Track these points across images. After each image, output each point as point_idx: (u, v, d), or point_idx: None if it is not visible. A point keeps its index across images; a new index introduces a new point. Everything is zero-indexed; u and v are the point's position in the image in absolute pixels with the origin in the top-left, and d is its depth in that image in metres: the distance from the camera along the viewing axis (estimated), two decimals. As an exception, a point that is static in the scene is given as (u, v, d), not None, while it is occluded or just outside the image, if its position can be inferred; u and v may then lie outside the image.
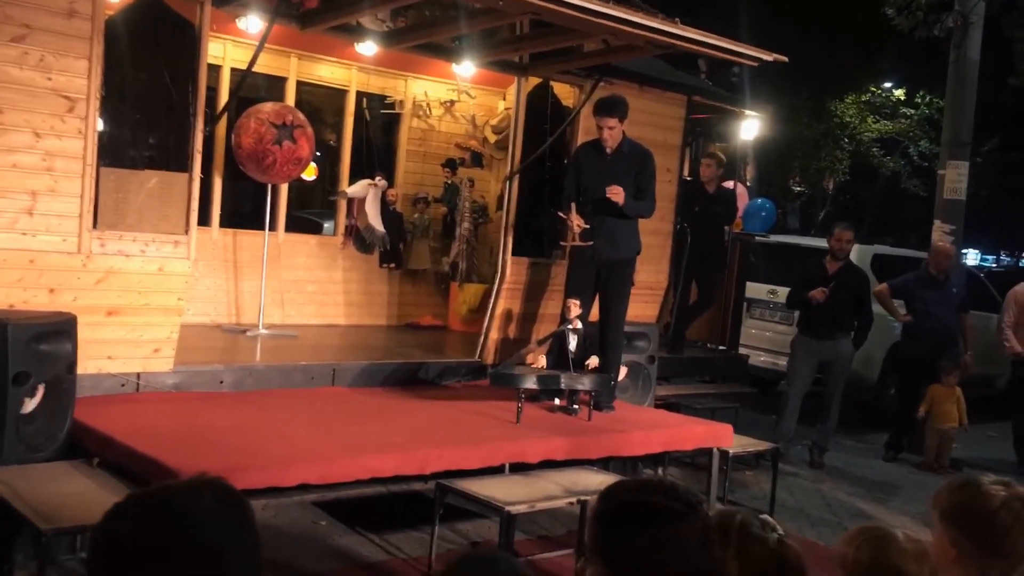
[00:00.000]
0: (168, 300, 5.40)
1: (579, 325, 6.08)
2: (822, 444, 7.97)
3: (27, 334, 4.43)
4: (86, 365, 4.95)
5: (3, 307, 4.78)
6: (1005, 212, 23.55)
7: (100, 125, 5.15)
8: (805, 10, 17.16)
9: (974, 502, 2.24)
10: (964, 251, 11.54)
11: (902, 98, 22.80)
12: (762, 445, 6.60)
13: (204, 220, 6.89)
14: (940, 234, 10.08)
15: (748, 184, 12.47)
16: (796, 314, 8.37)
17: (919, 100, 22.17)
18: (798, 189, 24.04)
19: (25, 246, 4.88)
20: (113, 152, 5.33)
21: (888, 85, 22.96)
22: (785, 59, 5.92)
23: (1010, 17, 12.24)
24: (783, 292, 8.92)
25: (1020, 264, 26.86)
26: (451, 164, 8.69)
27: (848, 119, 21.90)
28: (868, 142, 22.04)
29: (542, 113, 7.24)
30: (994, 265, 29.21)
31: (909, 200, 21.55)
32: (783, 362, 8.75)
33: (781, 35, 12.37)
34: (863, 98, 22.18)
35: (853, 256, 8.29)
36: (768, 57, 5.89)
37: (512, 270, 6.97)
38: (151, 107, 5.49)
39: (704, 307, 8.62)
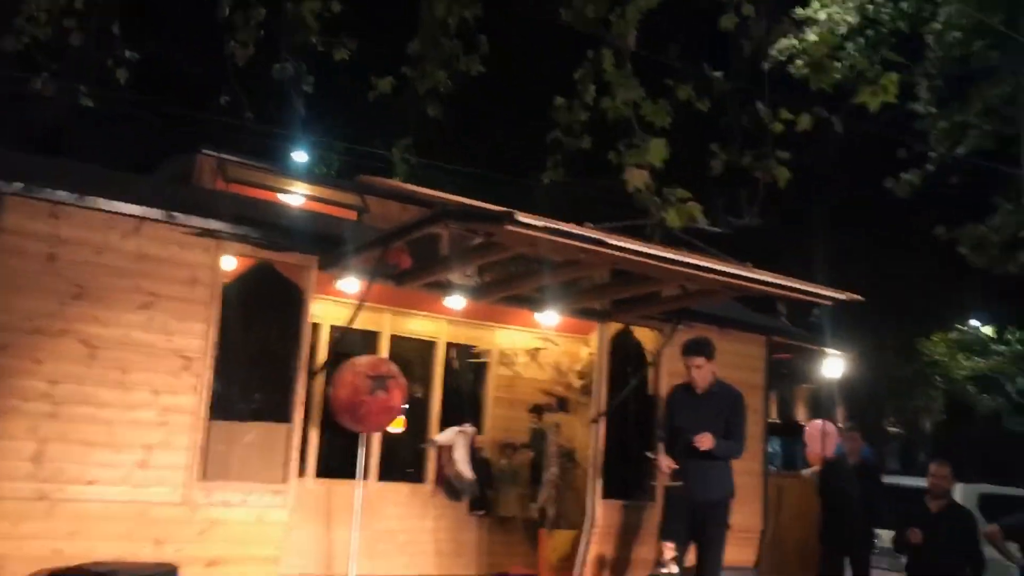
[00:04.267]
0: (266, 550, 5.51)
1: (675, 569, 5.92)
2: None
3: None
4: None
5: (111, 559, 4.95)
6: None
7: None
8: (882, 251, 17.49)
9: None
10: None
11: (992, 335, 22.47)
12: None
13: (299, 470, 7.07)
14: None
15: (840, 425, 12.23)
16: (903, 559, 7.95)
17: (1009, 336, 21.82)
18: (894, 430, 23.37)
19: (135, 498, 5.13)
20: (222, 405, 5.67)
21: (974, 323, 22.73)
22: (860, 299, 6.04)
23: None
24: (886, 535, 8.52)
25: None
26: (538, 410, 8.84)
27: (939, 357, 21.57)
28: (962, 380, 21.55)
29: (625, 357, 7.45)
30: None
31: (1014, 439, 20.69)
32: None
33: (857, 275, 12.61)
34: (950, 336, 21.94)
35: (957, 497, 7.96)
36: (842, 296, 6.03)
37: (602, 513, 6.91)
38: (258, 362, 5.88)
39: None
